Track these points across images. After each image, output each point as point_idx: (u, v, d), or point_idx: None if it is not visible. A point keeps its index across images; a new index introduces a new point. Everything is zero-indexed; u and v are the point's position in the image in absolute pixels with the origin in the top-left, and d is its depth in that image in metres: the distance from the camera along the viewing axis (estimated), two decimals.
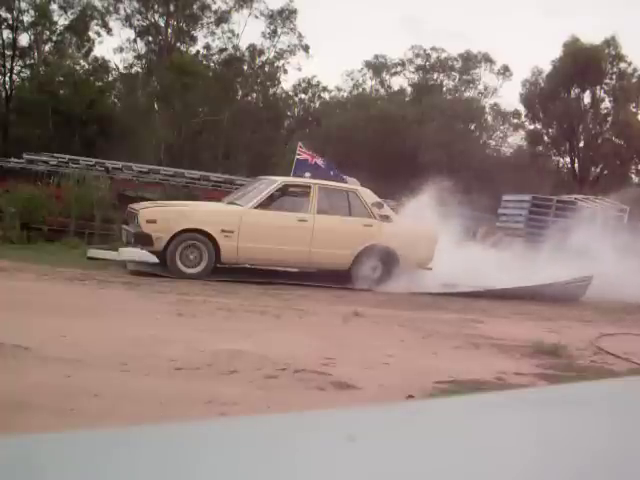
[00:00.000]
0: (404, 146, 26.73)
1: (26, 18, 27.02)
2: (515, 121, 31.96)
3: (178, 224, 8.58)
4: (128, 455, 0.67)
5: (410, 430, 0.82)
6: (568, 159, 30.60)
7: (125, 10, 29.15)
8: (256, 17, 30.49)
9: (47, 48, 28.43)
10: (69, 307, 5.88)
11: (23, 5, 26.60)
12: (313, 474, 0.68)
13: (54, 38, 28.32)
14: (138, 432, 0.77)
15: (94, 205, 11.68)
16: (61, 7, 27.68)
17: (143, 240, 8.56)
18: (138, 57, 30.54)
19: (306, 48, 30.89)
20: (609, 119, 29.29)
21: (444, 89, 33.17)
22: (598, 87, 28.97)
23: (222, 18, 30.06)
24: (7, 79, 27.13)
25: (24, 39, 27.63)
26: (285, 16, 30.55)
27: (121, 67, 30.53)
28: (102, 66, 29.53)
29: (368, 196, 9.44)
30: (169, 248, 8.52)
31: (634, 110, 29.23)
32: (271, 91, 32.77)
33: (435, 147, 25.71)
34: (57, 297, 6.47)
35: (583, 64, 27.06)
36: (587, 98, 29.32)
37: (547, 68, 29.10)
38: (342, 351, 4.97)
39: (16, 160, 14.15)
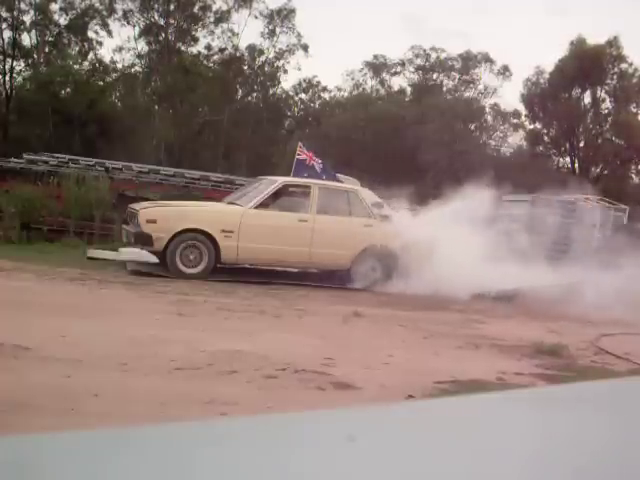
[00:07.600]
0: (404, 146, 26.70)
1: (26, 18, 27.07)
2: (515, 121, 31.96)
3: (178, 224, 8.58)
4: (128, 455, 0.67)
5: (410, 430, 0.82)
6: (568, 159, 30.61)
7: (124, 10, 29.15)
8: (255, 17, 30.51)
9: (47, 48, 28.42)
10: (69, 307, 5.87)
11: (23, 5, 26.64)
12: (313, 474, 0.68)
13: (54, 38, 28.33)
14: (138, 432, 0.77)
15: (94, 205, 11.67)
16: (61, 8, 27.71)
17: (143, 240, 8.56)
18: (139, 57, 30.54)
19: (305, 48, 30.89)
20: (609, 119, 29.30)
21: (444, 89, 33.13)
22: (599, 87, 28.99)
23: (222, 17, 30.05)
24: (7, 79, 27.15)
25: (25, 39, 27.68)
26: (284, 16, 30.55)
27: (121, 67, 30.54)
28: (102, 66, 29.53)
29: (368, 196, 9.44)
30: (169, 248, 8.52)
31: (634, 110, 29.26)
32: (271, 91, 32.75)
33: (435, 147, 25.68)
34: (57, 297, 6.46)
35: (586, 64, 27.07)
36: (587, 98, 29.36)
37: (548, 68, 29.14)
38: (342, 351, 4.97)
39: (16, 160, 14.11)
